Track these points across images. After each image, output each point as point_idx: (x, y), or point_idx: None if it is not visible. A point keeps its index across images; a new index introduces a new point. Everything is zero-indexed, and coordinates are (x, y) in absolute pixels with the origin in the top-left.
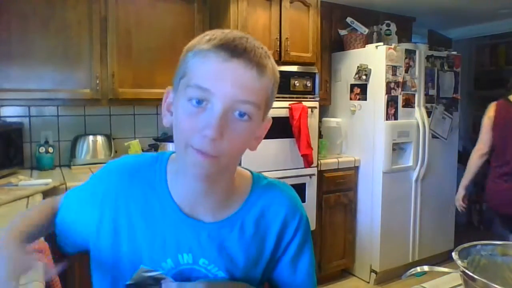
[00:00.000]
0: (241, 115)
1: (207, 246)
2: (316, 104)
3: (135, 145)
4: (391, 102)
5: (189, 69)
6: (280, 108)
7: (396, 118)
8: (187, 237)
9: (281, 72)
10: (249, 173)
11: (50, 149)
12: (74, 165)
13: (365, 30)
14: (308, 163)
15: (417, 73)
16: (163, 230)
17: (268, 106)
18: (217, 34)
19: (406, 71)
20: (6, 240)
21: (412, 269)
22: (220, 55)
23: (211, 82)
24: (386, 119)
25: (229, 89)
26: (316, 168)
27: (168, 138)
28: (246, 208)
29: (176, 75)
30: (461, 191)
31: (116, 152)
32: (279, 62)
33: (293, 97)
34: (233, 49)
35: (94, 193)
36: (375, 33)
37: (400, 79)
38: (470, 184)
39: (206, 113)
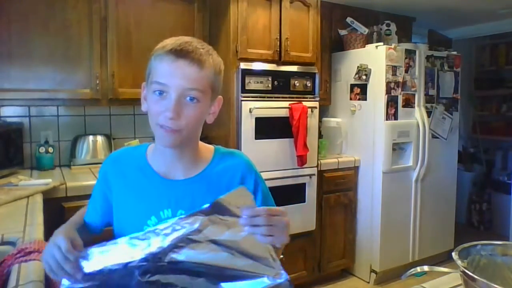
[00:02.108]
0: (191, 99)
1: (182, 198)
2: (316, 104)
3: (135, 145)
4: (391, 102)
5: (152, 70)
6: (280, 108)
7: (396, 118)
8: (166, 194)
9: (281, 72)
10: (212, 146)
11: (50, 149)
12: (74, 165)
13: (365, 30)
14: (302, 162)
15: (417, 73)
16: (147, 193)
17: (215, 90)
18: (170, 41)
19: (406, 71)
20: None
21: (412, 269)
22: (170, 58)
23: (166, 78)
24: (386, 119)
25: (179, 81)
26: (316, 168)
27: None
28: (210, 168)
29: (146, 73)
30: None
31: None
32: (279, 62)
33: (293, 97)
34: (179, 52)
35: (99, 180)
36: (375, 33)
37: (400, 79)
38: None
39: (165, 100)
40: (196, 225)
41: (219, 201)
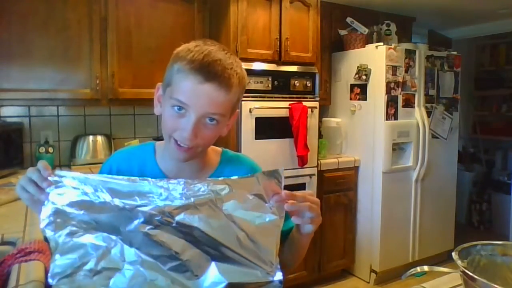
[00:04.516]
0: (211, 120)
1: None
2: (316, 104)
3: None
4: (391, 102)
5: (173, 82)
6: (280, 108)
7: (396, 118)
8: None
9: (281, 72)
10: (219, 148)
11: (50, 149)
12: (74, 165)
13: (365, 30)
14: (302, 162)
15: (417, 73)
16: None
17: (234, 108)
18: (197, 54)
19: (406, 71)
20: None
21: (412, 269)
22: (196, 78)
23: (189, 98)
24: (386, 119)
25: (202, 105)
26: (316, 168)
27: None
28: (218, 172)
29: (165, 77)
30: None
31: None
32: (279, 62)
33: (293, 97)
34: (207, 74)
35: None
36: (375, 33)
37: (400, 79)
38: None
39: (184, 119)
40: (223, 193)
41: (254, 177)
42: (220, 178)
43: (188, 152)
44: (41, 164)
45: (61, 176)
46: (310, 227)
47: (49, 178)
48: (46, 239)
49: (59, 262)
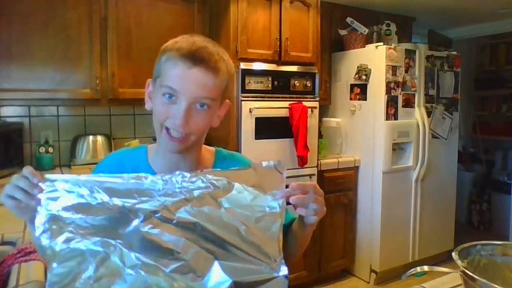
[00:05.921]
0: (202, 105)
1: None
2: (316, 104)
3: (135, 145)
4: (391, 102)
5: (162, 71)
6: (280, 108)
7: (396, 118)
8: None
9: (281, 72)
10: (213, 148)
11: (50, 149)
12: (74, 165)
13: (365, 30)
14: (302, 162)
15: (417, 73)
16: None
17: (224, 96)
18: (184, 43)
19: (406, 71)
20: None
21: (412, 269)
22: (185, 64)
23: (179, 84)
24: (386, 119)
25: (192, 89)
26: (316, 168)
27: None
28: None
29: (154, 71)
30: None
31: None
32: (279, 62)
33: (293, 97)
34: (194, 59)
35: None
36: (375, 33)
37: (400, 79)
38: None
39: (175, 105)
40: (221, 186)
41: (251, 168)
42: (217, 169)
43: (181, 142)
44: (28, 169)
45: (52, 181)
46: (314, 218)
47: (40, 184)
48: (42, 248)
49: (57, 271)
